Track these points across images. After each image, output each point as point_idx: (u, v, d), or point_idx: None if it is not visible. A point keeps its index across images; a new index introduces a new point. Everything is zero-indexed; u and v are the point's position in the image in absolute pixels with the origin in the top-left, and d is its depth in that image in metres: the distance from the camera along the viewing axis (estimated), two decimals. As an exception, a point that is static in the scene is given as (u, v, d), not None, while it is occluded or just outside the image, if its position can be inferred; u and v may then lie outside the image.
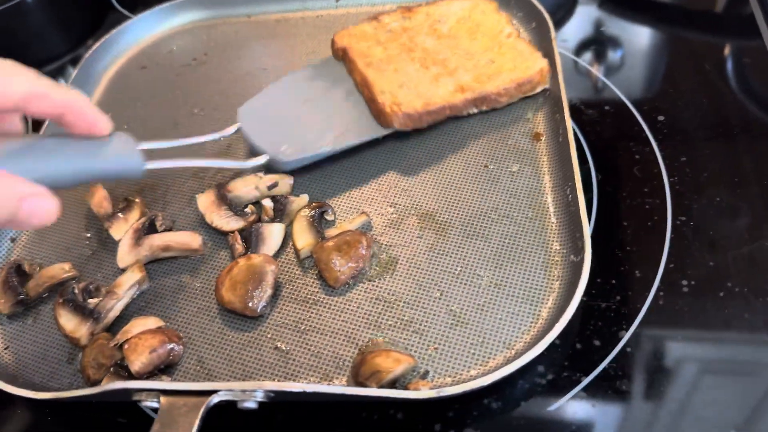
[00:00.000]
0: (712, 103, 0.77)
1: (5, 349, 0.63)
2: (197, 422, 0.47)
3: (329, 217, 0.68)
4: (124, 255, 0.65)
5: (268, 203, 0.68)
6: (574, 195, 0.62)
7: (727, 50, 0.86)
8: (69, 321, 0.60)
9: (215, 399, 0.48)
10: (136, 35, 0.95)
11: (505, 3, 0.88)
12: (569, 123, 0.67)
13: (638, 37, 0.91)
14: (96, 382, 0.57)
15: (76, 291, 0.62)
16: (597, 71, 0.84)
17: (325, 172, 0.72)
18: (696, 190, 0.67)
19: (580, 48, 0.89)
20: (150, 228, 0.67)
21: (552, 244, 0.62)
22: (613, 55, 0.88)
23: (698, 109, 0.76)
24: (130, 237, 0.66)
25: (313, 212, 0.67)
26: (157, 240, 0.65)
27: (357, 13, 0.93)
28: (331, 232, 0.66)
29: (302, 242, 0.65)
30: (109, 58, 0.93)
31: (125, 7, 1.12)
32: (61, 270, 0.66)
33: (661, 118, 0.75)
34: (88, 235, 0.71)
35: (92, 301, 0.62)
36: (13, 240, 0.72)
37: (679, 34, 0.90)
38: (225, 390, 0.48)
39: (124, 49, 0.94)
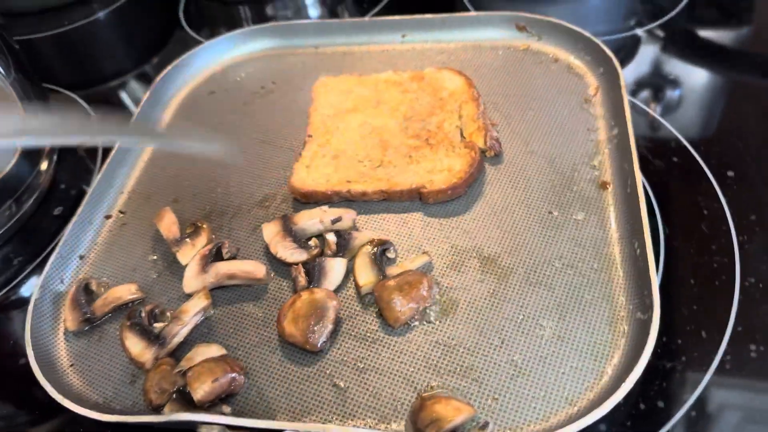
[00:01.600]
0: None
1: (70, 366, 0.65)
2: (262, 461, 0.47)
3: (391, 255, 0.68)
4: (191, 280, 0.67)
5: (331, 237, 0.69)
6: (642, 250, 0.61)
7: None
8: (135, 345, 0.62)
9: (280, 438, 0.49)
10: (206, 60, 0.98)
11: (572, 46, 0.88)
12: (639, 175, 0.66)
13: (701, 81, 0.90)
14: (158, 407, 0.58)
15: (143, 314, 0.64)
16: (669, 124, 0.82)
17: (385, 211, 0.73)
18: (766, 250, 0.66)
19: (649, 95, 0.87)
20: (216, 255, 0.68)
21: (618, 298, 0.61)
22: (672, 97, 0.87)
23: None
24: (196, 263, 0.67)
25: (375, 249, 0.67)
26: (224, 268, 0.66)
27: (422, 48, 0.94)
28: (392, 270, 0.66)
29: (364, 279, 0.65)
30: (180, 82, 0.95)
31: (192, 28, 1.16)
32: (128, 291, 0.68)
33: (730, 173, 0.74)
34: (155, 257, 0.73)
35: (158, 326, 0.63)
36: (81, 257, 0.74)
37: (744, 81, 0.89)
38: (291, 430, 0.49)
39: (194, 74, 0.97)
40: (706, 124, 0.82)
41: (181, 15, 1.20)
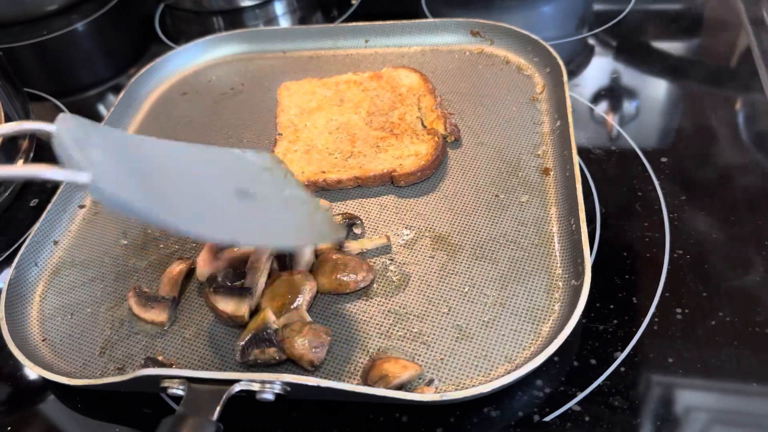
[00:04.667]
0: (713, 148, 0.81)
1: (43, 341, 0.68)
2: (219, 408, 0.51)
3: (357, 230, 0.73)
4: (203, 270, 0.69)
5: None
6: (577, 225, 0.66)
7: (738, 104, 0.90)
8: (227, 304, 0.64)
9: (237, 388, 0.53)
10: (178, 64, 1.03)
11: (522, 49, 0.94)
12: (576, 158, 0.72)
13: (650, 87, 0.96)
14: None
15: (219, 278, 0.66)
16: (611, 119, 0.89)
17: (346, 197, 0.78)
18: (693, 226, 0.72)
19: (596, 96, 0.93)
20: None
21: (555, 269, 0.66)
22: (626, 105, 0.93)
23: (699, 152, 0.81)
24: (206, 252, 0.70)
25: (343, 221, 0.72)
26: (237, 251, 0.69)
27: (384, 53, 1.00)
28: (351, 245, 0.71)
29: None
30: (153, 83, 1.00)
31: (168, 38, 1.21)
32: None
33: (663, 159, 0.80)
34: (125, 242, 0.77)
35: (237, 283, 0.66)
36: (55, 243, 0.78)
37: (690, 86, 0.95)
38: (246, 380, 0.53)
39: (167, 76, 1.02)
40: (643, 118, 0.88)
41: (157, 26, 1.26)
